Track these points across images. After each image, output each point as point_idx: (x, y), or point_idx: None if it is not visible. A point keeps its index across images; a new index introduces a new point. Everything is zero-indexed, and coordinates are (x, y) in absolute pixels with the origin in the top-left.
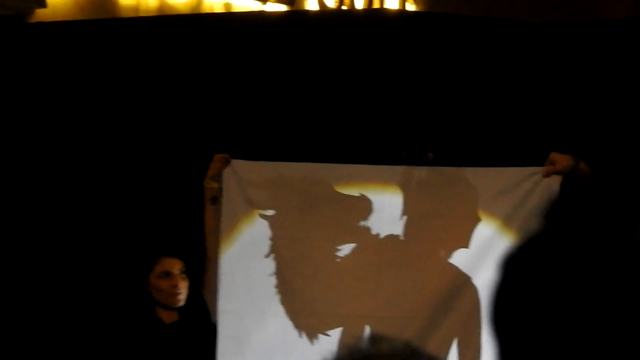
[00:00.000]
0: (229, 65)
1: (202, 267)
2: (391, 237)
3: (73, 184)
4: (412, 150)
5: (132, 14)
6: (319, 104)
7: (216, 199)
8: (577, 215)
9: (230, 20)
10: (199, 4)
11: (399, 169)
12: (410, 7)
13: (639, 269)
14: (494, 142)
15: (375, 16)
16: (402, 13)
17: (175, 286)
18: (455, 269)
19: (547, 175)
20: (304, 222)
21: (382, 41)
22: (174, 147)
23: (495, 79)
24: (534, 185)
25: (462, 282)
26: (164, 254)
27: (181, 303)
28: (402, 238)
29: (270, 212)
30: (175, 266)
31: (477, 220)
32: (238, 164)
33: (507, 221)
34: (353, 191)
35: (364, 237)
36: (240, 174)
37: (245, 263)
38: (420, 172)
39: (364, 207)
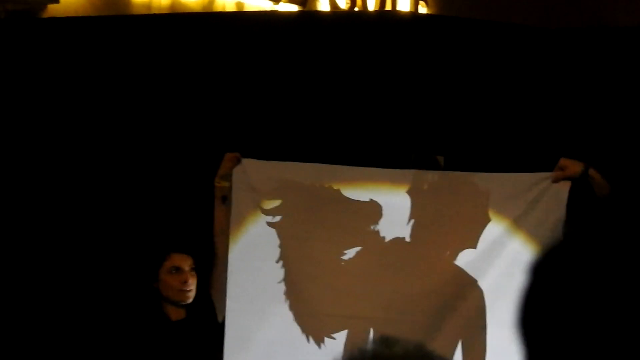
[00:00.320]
0: (240, 64)
1: (211, 265)
2: (397, 240)
3: (86, 179)
4: (421, 153)
5: (144, 12)
6: (330, 104)
7: (226, 198)
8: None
9: (241, 19)
10: (211, 2)
11: (409, 173)
12: (422, 9)
13: None
14: (504, 146)
15: (387, 18)
16: (414, 15)
17: (185, 282)
18: (461, 272)
19: (557, 180)
20: (311, 223)
21: (393, 43)
22: (185, 145)
23: (506, 83)
24: (543, 191)
25: (468, 285)
26: (174, 250)
27: (190, 300)
28: (408, 241)
29: (277, 215)
30: (186, 262)
31: (485, 224)
32: (248, 163)
33: (515, 225)
34: (363, 194)
35: (371, 239)
36: (251, 173)
37: (252, 262)
38: (429, 176)
39: (374, 212)
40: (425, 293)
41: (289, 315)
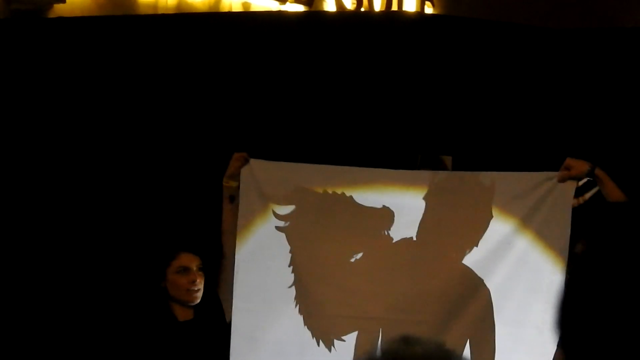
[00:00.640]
0: (247, 64)
1: (219, 265)
2: (406, 241)
3: (94, 179)
4: (428, 154)
5: (150, 12)
6: (336, 105)
7: (234, 198)
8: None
9: (248, 19)
10: (217, 2)
11: (416, 173)
12: (429, 10)
13: None
14: (511, 145)
15: (393, 18)
16: (420, 16)
17: (193, 282)
18: (469, 271)
19: (563, 180)
20: (319, 224)
21: (399, 43)
22: (193, 145)
23: (512, 82)
24: (549, 190)
25: (476, 285)
26: (182, 249)
27: (198, 300)
28: (417, 241)
29: (287, 220)
30: (194, 262)
31: (489, 223)
32: (256, 164)
33: (522, 225)
34: (371, 197)
35: (380, 241)
36: (258, 174)
37: (260, 262)
38: (436, 176)
39: (387, 218)
40: (434, 293)
41: (298, 316)
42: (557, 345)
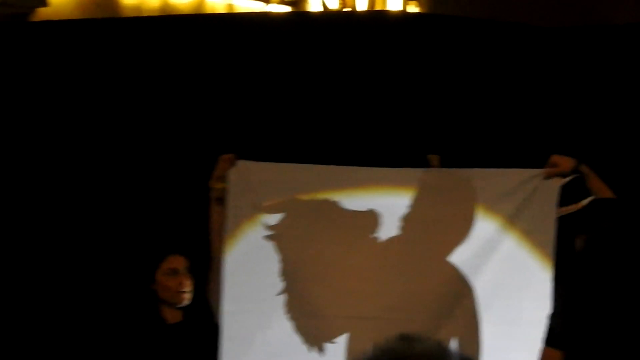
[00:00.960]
0: (232, 65)
1: (207, 267)
2: (396, 240)
3: (82, 182)
4: (414, 153)
5: (134, 14)
6: (322, 105)
7: (222, 200)
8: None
9: (232, 20)
10: (201, 4)
11: (403, 171)
12: (413, 9)
13: None
14: (497, 143)
15: (377, 18)
16: (405, 15)
17: (182, 284)
18: (457, 270)
19: (548, 177)
20: (309, 224)
21: (384, 43)
22: (181, 147)
23: (498, 81)
24: (536, 188)
25: (464, 284)
26: (171, 252)
27: (186, 302)
28: (406, 240)
29: (275, 230)
30: (182, 264)
31: (479, 221)
32: (244, 165)
33: (509, 223)
34: (359, 197)
35: (370, 239)
36: (246, 175)
37: (250, 264)
38: (424, 175)
39: (374, 221)
40: (424, 292)
41: (288, 316)
42: (543, 342)
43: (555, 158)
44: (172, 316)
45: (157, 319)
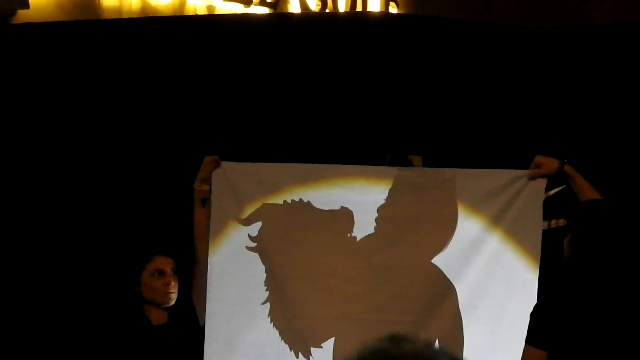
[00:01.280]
0: (214, 67)
1: (191, 268)
2: (379, 239)
3: (65, 184)
4: (396, 153)
5: (115, 16)
6: (304, 105)
7: (206, 201)
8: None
9: (213, 22)
10: (182, 6)
11: (386, 170)
12: (393, 10)
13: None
14: (480, 144)
15: (358, 19)
16: (385, 16)
17: (168, 284)
18: (438, 271)
19: (533, 178)
20: (293, 224)
21: (365, 44)
22: (165, 149)
23: (479, 81)
24: (520, 189)
25: (449, 284)
26: (156, 253)
27: (172, 302)
28: (390, 240)
29: (256, 238)
30: (168, 265)
31: (464, 221)
32: (228, 166)
33: (493, 223)
34: (339, 195)
35: (345, 240)
36: (230, 176)
37: (235, 265)
38: (407, 173)
39: (347, 219)
40: (408, 294)
41: (273, 317)
42: (526, 342)
43: (539, 159)
44: (157, 317)
45: (142, 320)
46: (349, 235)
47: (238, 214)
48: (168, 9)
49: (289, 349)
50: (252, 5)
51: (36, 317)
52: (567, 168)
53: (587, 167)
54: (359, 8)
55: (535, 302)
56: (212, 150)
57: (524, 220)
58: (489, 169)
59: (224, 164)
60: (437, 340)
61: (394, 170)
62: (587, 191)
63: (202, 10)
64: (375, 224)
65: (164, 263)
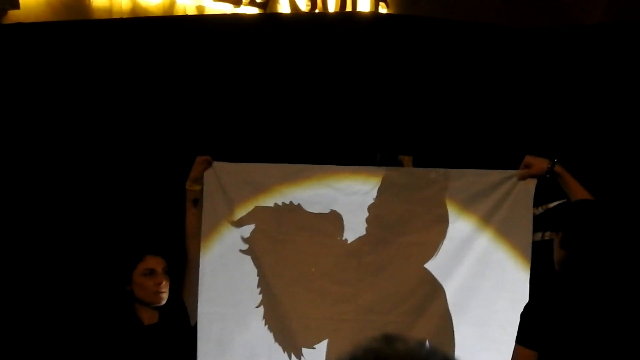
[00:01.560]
0: (204, 67)
1: (183, 269)
2: (370, 240)
3: (56, 183)
4: (387, 153)
5: (105, 16)
6: (294, 106)
7: (197, 201)
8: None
9: (203, 22)
10: (171, 6)
11: (373, 170)
12: (383, 10)
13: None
14: (470, 144)
15: (348, 19)
16: (375, 16)
17: (159, 284)
18: (428, 272)
19: (523, 178)
20: (283, 226)
21: (355, 44)
22: (157, 149)
23: (469, 82)
24: (510, 189)
25: (439, 284)
26: (148, 252)
27: (164, 302)
28: (380, 241)
29: (248, 239)
30: (160, 265)
31: (454, 221)
32: (219, 166)
33: (483, 223)
34: (328, 195)
35: (336, 242)
36: (222, 176)
37: (227, 265)
38: (397, 173)
39: (336, 221)
40: (398, 294)
41: (265, 317)
42: (516, 342)
43: (529, 159)
44: (148, 317)
45: (134, 320)
46: (339, 238)
47: (229, 214)
48: (158, 9)
49: (281, 350)
50: (242, 6)
51: (27, 316)
52: (557, 168)
53: (578, 167)
54: (348, 8)
55: (525, 302)
56: (204, 150)
57: (514, 220)
58: (479, 169)
59: (216, 164)
60: (427, 340)
61: (381, 170)
62: (577, 191)
63: (192, 11)
64: (366, 225)
65: (156, 262)
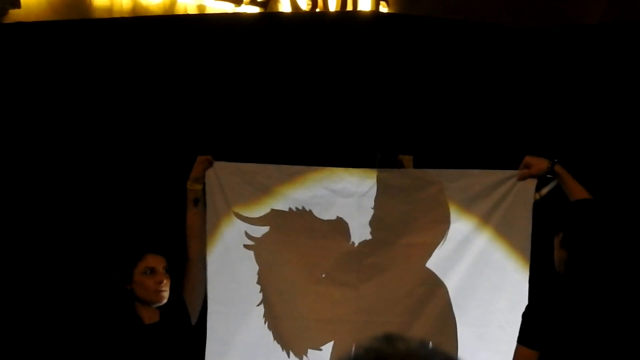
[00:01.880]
0: (205, 66)
1: (183, 268)
2: (370, 242)
3: (57, 182)
4: (387, 153)
5: (105, 15)
6: (294, 105)
7: (198, 201)
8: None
9: (203, 21)
10: (172, 5)
11: (372, 172)
12: (383, 9)
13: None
14: (470, 144)
15: (348, 18)
16: (376, 15)
17: (160, 283)
18: (429, 272)
19: (522, 178)
20: (285, 226)
21: (355, 43)
22: (158, 148)
23: (469, 81)
24: (510, 189)
25: (436, 285)
26: (148, 251)
27: (164, 301)
28: (381, 242)
29: (256, 238)
30: (160, 263)
31: (454, 222)
32: (220, 166)
33: (483, 223)
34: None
35: (345, 241)
36: (223, 176)
37: (229, 264)
38: (397, 174)
39: (342, 228)
40: (399, 295)
41: (267, 317)
42: (518, 342)
43: (529, 159)
44: (149, 316)
45: (134, 319)
46: (344, 243)
47: (231, 213)
48: (159, 8)
49: (280, 349)
50: (242, 5)
51: (27, 316)
52: (557, 168)
53: (578, 167)
54: (349, 7)
55: (524, 302)
56: (205, 150)
57: (514, 221)
58: (479, 169)
59: (217, 163)
60: (430, 339)
61: (376, 172)
62: (577, 191)
63: (192, 10)
64: (365, 227)
65: (156, 261)
